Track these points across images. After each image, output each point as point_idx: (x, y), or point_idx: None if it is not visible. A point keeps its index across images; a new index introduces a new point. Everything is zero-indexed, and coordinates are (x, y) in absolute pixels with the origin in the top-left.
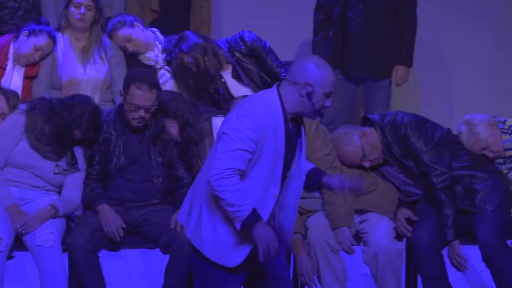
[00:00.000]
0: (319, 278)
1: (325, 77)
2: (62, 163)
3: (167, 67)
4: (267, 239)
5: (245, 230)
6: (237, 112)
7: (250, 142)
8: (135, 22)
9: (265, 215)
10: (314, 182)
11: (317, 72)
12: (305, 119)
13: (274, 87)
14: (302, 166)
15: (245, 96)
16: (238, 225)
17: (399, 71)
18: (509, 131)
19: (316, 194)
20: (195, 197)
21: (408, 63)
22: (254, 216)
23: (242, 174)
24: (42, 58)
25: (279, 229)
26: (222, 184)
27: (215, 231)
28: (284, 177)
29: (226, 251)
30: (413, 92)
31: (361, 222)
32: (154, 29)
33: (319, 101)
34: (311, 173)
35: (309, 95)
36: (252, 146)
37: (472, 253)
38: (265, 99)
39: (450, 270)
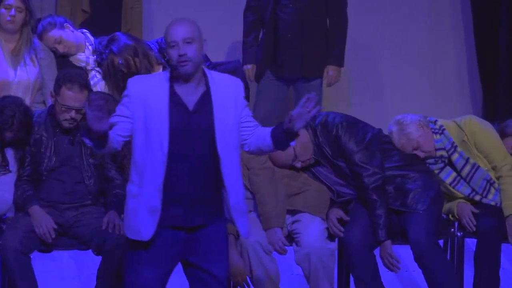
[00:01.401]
0: (251, 278)
1: (169, 29)
2: None
3: (97, 69)
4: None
5: None
6: None
7: (121, 106)
8: (65, 24)
9: (157, 180)
10: (280, 136)
11: (167, 27)
12: None
13: None
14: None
15: None
16: None
17: (330, 71)
18: (440, 131)
19: (248, 195)
20: None
21: (339, 63)
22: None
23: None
24: None
25: (228, 208)
26: None
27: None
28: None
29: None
30: (344, 92)
31: (293, 223)
32: (84, 30)
33: (170, 54)
34: (273, 133)
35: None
36: (123, 110)
37: (404, 253)
38: (161, 72)
39: (383, 270)
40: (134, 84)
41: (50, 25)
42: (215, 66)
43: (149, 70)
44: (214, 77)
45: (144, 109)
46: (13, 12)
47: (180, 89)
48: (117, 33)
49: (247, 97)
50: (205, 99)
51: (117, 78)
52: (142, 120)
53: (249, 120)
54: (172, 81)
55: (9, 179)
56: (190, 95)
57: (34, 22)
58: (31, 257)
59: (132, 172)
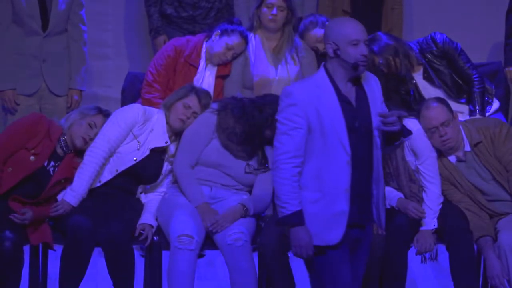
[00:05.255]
0: (509, 281)
1: (341, 28)
2: (253, 163)
3: None
4: (300, 244)
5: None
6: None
7: (297, 118)
8: (327, 23)
9: (344, 183)
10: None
11: (333, 28)
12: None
13: (322, 64)
14: (373, 127)
15: (437, 98)
16: (278, 219)
17: None
18: None
19: (507, 197)
20: None
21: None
22: (295, 218)
23: (306, 151)
24: (234, 58)
25: (377, 204)
26: (276, 174)
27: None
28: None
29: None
30: None
31: None
32: None
33: (348, 53)
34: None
35: (335, 52)
36: (300, 122)
37: None
38: (311, 76)
39: None
40: (298, 90)
41: (312, 24)
42: (476, 67)
43: (409, 70)
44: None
45: (317, 112)
46: (274, 11)
47: (342, 87)
48: (379, 32)
49: (507, 102)
50: (361, 94)
51: (378, 78)
52: (318, 124)
53: None
54: (331, 80)
55: (269, 177)
56: (349, 92)
57: (295, 21)
58: (290, 255)
59: (304, 179)
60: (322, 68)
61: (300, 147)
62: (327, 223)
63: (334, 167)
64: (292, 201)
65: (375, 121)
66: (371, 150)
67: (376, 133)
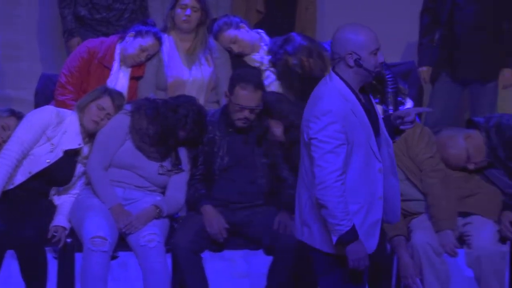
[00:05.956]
0: (422, 280)
1: (363, 37)
2: (167, 164)
3: (272, 69)
4: (359, 257)
5: (339, 244)
6: (313, 114)
7: (340, 134)
8: (240, 24)
9: (378, 191)
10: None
11: (354, 37)
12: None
13: (331, 73)
14: (384, 130)
15: None
16: (334, 238)
17: (506, 73)
18: None
19: (420, 196)
20: (304, 210)
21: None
22: (352, 234)
23: (345, 166)
24: (148, 59)
25: (385, 199)
26: (328, 193)
27: None
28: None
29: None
30: None
31: (464, 225)
32: (259, 30)
33: (370, 62)
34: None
35: (357, 62)
36: (343, 137)
37: None
38: (329, 87)
39: None
40: (334, 107)
41: (226, 25)
42: (389, 67)
43: (323, 71)
44: None
45: (352, 125)
46: (188, 11)
47: (359, 95)
48: (293, 33)
49: (420, 101)
50: (367, 100)
51: (292, 79)
52: (353, 136)
53: None
54: (352, 89)
55: (182, 178)
56: (364, 99)
57: (209, 21)
58: (202, 256)
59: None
60: (337, 78)
61: (344, 163)
62: (366, 233)
63: (368, 177)
64: (348, 217)
65: (382, 124)
66: (390, 153)
67: (387, 134)
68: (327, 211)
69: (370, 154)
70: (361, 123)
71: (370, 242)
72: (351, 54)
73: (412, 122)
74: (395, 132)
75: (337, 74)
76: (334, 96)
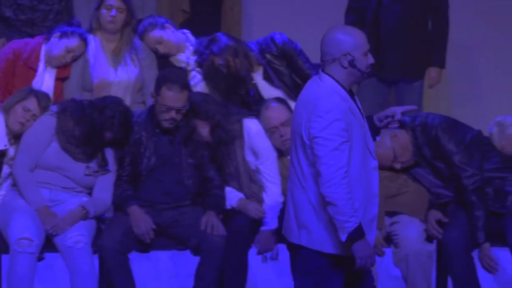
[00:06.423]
0: None
1: (356, 39)
2: (93, 165)
3: (198, 69)
4: (365, 255)
5: (347, 242)
6: (315, 114)
7: (343, 132)
8: (166, 24)
9: (374, 188)
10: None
11: (347, 38)
12: None
13: (322, 74)
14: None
15: (277, 98)
16: (343, 236)
17: (432, 72)
18: None
19: None
20: (301, 212)
21: (441, 65)
22: (360, 231)
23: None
24: (74, 60)
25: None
26: (336, 190)
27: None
28: None
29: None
30: (444, 94)
31: (391, 224)
32: (185, 30)
33: (362, 62)
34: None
35: (351, 63)
36: (346, 135)
37: (503, 255)
38: (325, 87)
39: (481, 272)
40: (335, 105)
41: (151, 25)
42: (315, 67)
43: (249, 71)
44: None
45: (350, 124)
46: (114, 12)
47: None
48: (218, 33)
49: None
50: (355, 100)
51: (218, 79)
52: (351, 135)
53: None
54: (345, 89)
55: (109, 179)
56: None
57: (135, 22)
58: (129, 257)
59: None
60: (330, 79)
61: (348, 160)
62: (365, 230)
63: (365, 174)
64: (356, 213)
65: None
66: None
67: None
68: (336, 208)
69: (366, 152)
70: (357, 121)
71: (369, 239)
72: (345, 55)
73: (399, 120)
74: (375, 132)
75: (328, 74)
76: (332, 95)
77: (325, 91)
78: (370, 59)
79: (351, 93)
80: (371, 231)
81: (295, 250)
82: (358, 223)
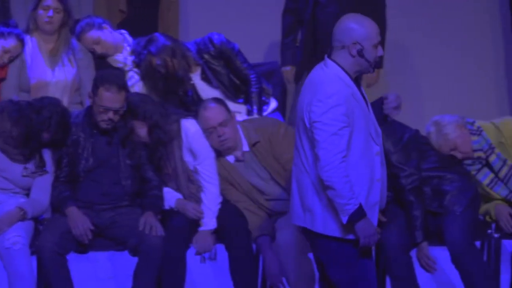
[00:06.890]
0: (287, 279)
1: (369, 29)
2: (30, 166)
3: (135, 69)
4: (369, 234)
5: (349, 224)
6: (316, 98)
7: (343, 117)
8: (103, 24)
9: (377, 173)
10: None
11: (359, 28)
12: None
13: (327, 60)
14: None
15: (215, 99)
16: (344, 219)
17: None
18: (478, 132)
19: (285, 196)
20: (306, 195)
21: (379, 64)
22: (361, 212)
23: (347, 149)
24: (11, 61)
25: (382, 186)
26: (334, 174)
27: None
28: None
29: None
30: (382, 93)
31: None
32: (123, 31)
33: (371, 53)
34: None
35: (360, 52)
36: (346, 120)
37: (441, 254)
38: (327, 73)
39: (419, 271)
40: (337, 90)
41: (88, 26)
42: (252, 67)
43: (187, 71)
44: None
45: (353, 110)
46: (51, 13)
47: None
48: (156, 33)
49: (284, 101)
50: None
51: (155, 79)
52: (353, 120)
53: None
54: (350, 77)
55: (46, 180)
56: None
57: (72, 23)
58: (68, 258)
59: None
60: (334, 65)
61: (347, 145)
62: (368, 214)
63: (367, 160)
64: (355, 195)
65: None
66: (381, 137)
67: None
68: (334, 192)
69: (368, 138)
70: (360, 108)
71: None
72: (355, 43)
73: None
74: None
75: (333, 61)
76: (335, 80)
77: (328, 77)
78: (380, 52)
79: (356, 81)
80: (374, 216)
81: (313, 240)
82: (358, 204)
